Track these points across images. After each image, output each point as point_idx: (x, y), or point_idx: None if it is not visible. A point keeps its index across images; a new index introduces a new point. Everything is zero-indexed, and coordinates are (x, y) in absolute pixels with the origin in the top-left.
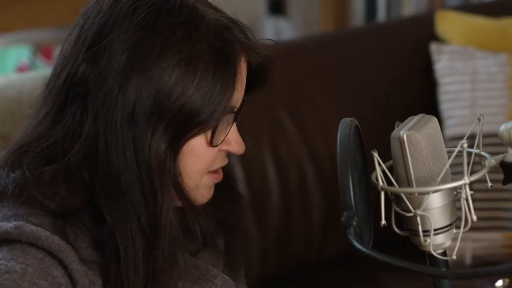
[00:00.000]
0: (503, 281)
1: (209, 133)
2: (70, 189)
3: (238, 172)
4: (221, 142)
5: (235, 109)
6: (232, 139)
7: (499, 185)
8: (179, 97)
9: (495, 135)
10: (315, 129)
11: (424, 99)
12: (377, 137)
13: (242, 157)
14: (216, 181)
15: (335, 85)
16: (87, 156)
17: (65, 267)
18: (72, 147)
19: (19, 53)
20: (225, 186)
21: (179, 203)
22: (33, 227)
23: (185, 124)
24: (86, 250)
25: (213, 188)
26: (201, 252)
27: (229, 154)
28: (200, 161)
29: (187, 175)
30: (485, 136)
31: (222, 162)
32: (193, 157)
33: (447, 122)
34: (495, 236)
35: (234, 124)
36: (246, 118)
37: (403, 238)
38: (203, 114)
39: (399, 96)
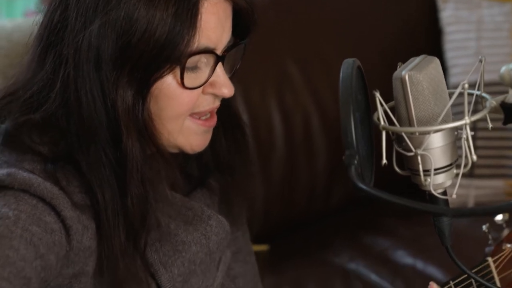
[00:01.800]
0: (503, 215)
1: (177, 75)
2: (54, 136)
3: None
4: (202, 85)
5: (215, 50)
6: (218, 82)
7: (502, 133)
8: (141, 37)
9: (499, 83)
10: (321, 79)
11: (430, 48)
12: (381, 83)
13: (248, 106)
14: (205, 127)
15: (342, 35)
16: (62, 104)
17: (58, 213)
18: (49, 95)
19: (27, 1)
20: (228, 129)
21: (153, 149)
22: (25, 174)
23: (149, 64)
24: (79, 195)
25: (206, 136)
26: (195, 192)
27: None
28: (176, 104)
29: (160, 120)
30: (489, 84)
31: (208, 105)
32: (167, 100)
33: (452, 71)
34: (498, 184)
35: (220, 66)
36: (252, 68)
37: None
38: (165, 53)
39: (405, 46)
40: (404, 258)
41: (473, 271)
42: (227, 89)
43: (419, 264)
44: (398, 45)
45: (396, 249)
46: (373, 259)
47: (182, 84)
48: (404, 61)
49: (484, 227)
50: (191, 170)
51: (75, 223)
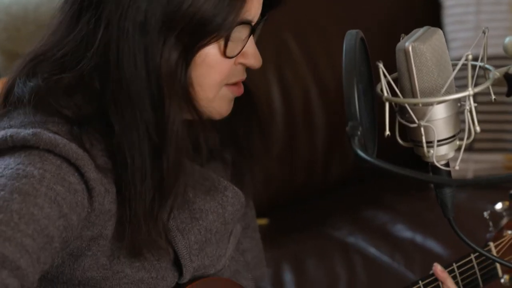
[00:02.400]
0: (503, 204)
1: (222, 44)
2: (84, 98)
3: None
4: (237, 54)
5: (251, 23)
6: (249, 53)
7: (501, 107)
8: (190, 5)
9: (499, 57)
10: (320, 52)
11: (429, 22)
12: (380, 55)
13: (247, 81)
14: (237, 94)
15: (341, 8)
16: (99, 65)
17: (81, 174)
18: (85, 55)
19: None
20: (245, 103)
21: (189, 116)
22: (50, 134)
23: (196, 32)
24: (102, 159)
25: (231, 103)
26: (210, 164)
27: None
28: (215, 73)
29: (201, 87)
30: (489, 58)
31: (240, 75)
32: (207, 68)
33: (451, 45)
34: (497, 158)
35: (252, 38)
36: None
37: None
38: (214, 22)
39: (404, 19)
40: (404, 232)
41: (475, 254)
42: (257, 60)
43: (419, 238)
44: (397, 19)
45: (396, 223)
46: (373, 233)
47: (224, 53)
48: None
49: (485, 214)
50: (208, 142)
51: (98, 185)
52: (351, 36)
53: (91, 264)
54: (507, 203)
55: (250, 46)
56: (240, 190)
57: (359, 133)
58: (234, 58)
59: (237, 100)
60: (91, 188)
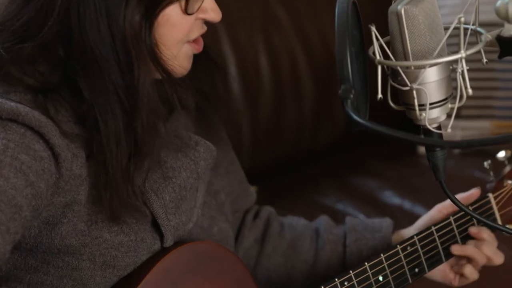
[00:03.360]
0: (506, 152)
1: (183, 2)
2: (47, 65)
3: (231, 64)
4: (197, 10)
5: None
6: (208, 7)
7: (489, 74)
8: None
9: (490, 24)
10: (308, 19)
11: None
12: (373, 20)
13: (235, 48)
14: (196, 51)
15: None
16: (61, 32)
17: (46, 141)
18: (45, 23)
19: None
20: (203, 57)
21: (157, 76)
22: (12, 104)
23: None
24: (68, 124)
25: (191, 59)
26: (174, 114)
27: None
28: (177, 31)
29: (164, 45)
30: (480, 24)
31: (200, 30)
32: (170, 27)
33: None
34: (485, 125)
35: None
36: (239, 9)
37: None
38: None
39: None
40: (392, 198)
41: (474, 206)
42: (217, 13)
43: (407, 204)
44: None
45: (384, 189)
46: (361, 200)
47: (185, 10)
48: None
49: (485, 164)
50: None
51: (64, 151)
52: (343, 0)
53: (69, 231)
54: (509, 151)
55: (208, 1)
56: (208, 136)
57: (351, 96)
58: (195, 15)
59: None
60: (57, 154)
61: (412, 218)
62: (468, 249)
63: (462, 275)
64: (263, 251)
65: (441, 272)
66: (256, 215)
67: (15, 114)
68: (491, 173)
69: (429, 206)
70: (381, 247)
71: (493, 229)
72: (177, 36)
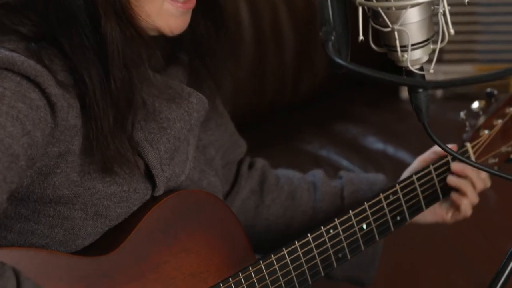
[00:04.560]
0: (479, 102)
1: None
2: (35, 19)
3: None
4: None
5: None
6: None
7: (471, 18)
8: None
9: None
10: None
11: None
12: None
13: None
14: (183, 9)
15: None
16: None
17: (42, 90)
18: None
19: None
20: (208, 11)
21: (151, 32)
22: (7, 53)
23: None
24: (62, 74)
25: (185, 18)
26: (170, 69)
27: None
28: None
29: (140, 2)
30: None
31: None
32: None
33: None
34: (467, 69)
35: None
36: None
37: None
38: None
39: None
40: (375, 144)
41: (435, 166)
42: None
43: (390, 149)
44: None
45: (367, 135)
46: (344, 146)
47: None
48: None
49: (461, 114)
50: (165, 48)
51: (60, 100)
52: None
53: (62, 182)
54: (483, 101)
55: None
56: (202, 94)
57: (332, 38)
58: None
59: (200, 5)
60: (53, 103)
61: (396, 163)
62: (462, 182)
63: (456, 209)
64: (262, 202)
65: (430, 212)
66: (251, 166)
67: (10, 63)
68: (467, 123)
69: (412, 151)
70: None
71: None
72: None
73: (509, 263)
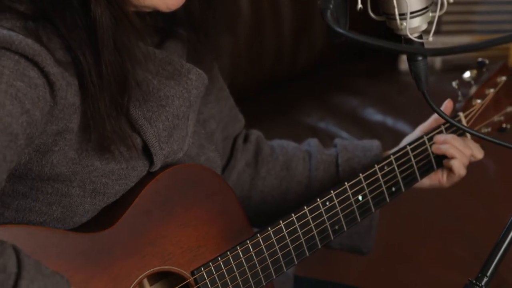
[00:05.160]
0: (471, 72)
1: None
2: None
3: None
4: None
5: None
6: None
7: None
8: None
9: None
10: None
11: None
12: None
13: None
14: None
15: None
16: None
17: (41, 69)
18: None
19: None
20: None
21: (146, 8)
22: (5, 31)
23: None
24: (60, 52)
25: None
26: (167, 43)
27: None
28: None
29: None
30: None
31: None
32: None
33: None
34: (465, 40)
35: None
36: None
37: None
38: None
39: None
40: (374, 115)
41: (446, 125)
42: None
43: (389, 121)
44: None
45: (366, 107)
46: (343, 118)
47: None
48: None
49: (453, 84)
50: (160, 23)
51: (58, 79)
52: None
53: (60, 159)
54: (475, 71)
55: None
56: (199, 64)
57: (331, 6)
58: None
59: None
60: (51, 82)
61: (395, 134)
62: (447, 147)
63: (450, 171)
64: (257, 174)
65: (426, 177)
66: (245, 139)
67: (8, 43)
68: (459, 93)
69: (411, 122)
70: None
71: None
72: None
73: (508, 233)
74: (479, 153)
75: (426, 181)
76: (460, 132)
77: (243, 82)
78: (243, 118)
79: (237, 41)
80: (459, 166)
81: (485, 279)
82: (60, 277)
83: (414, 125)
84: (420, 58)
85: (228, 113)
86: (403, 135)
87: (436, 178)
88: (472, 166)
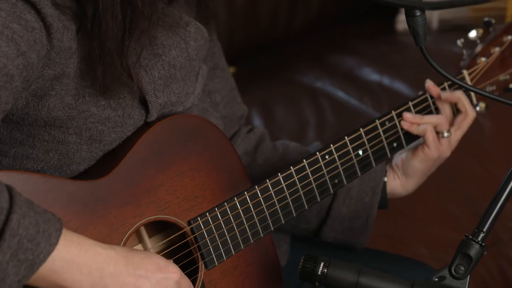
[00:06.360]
0: (477, 31)
1: None
2: None
3: None
4: None
5: None
6: None
7: None
8: None
9: None
10: None
11: None
12: None
13: None
14: None
15: None
16: None
17: (38, 12)
18: None
19: None
20: None
21: None
22: None
23: None
24: None
25: None
26: (175, 2)
27: None
28: None
29: None
30: None
31: None
32: None
33: None
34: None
35: None
36: None
37: None
38: None
39: None
40: (371, 75)
41: (449, 82)
42: None
43: (386, 80)
44: None
45: (362, 67)
46: (340, 77)
47: None
48: None
49: (458, 42)
50: None
51: (55, 21)
52: None
53: (56, 104)
54: (481, 30)
55: None
56: (204, 26)
57: None
58: None
59: None
60: (48, 25)
61: (392, 93)
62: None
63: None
64: (254, 161)
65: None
66: (250, 130)
67: None
68: (464, 52)
69: (408, 82)
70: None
71: (477, 93)
72: None
73: (504, 189)
74: (472, 112)
75: (417, 163)
76: (461, 89)
77: (239, 42)
78: (246, 108)
79: (233, 3)
80: (431, 139)
81: (482, 235)
82: (51, 215)
83: (411, 84)
84: (418, 13)
85: (227, 93)
86: (399, 94)
87: (423, 154)
88: (470, 126)
